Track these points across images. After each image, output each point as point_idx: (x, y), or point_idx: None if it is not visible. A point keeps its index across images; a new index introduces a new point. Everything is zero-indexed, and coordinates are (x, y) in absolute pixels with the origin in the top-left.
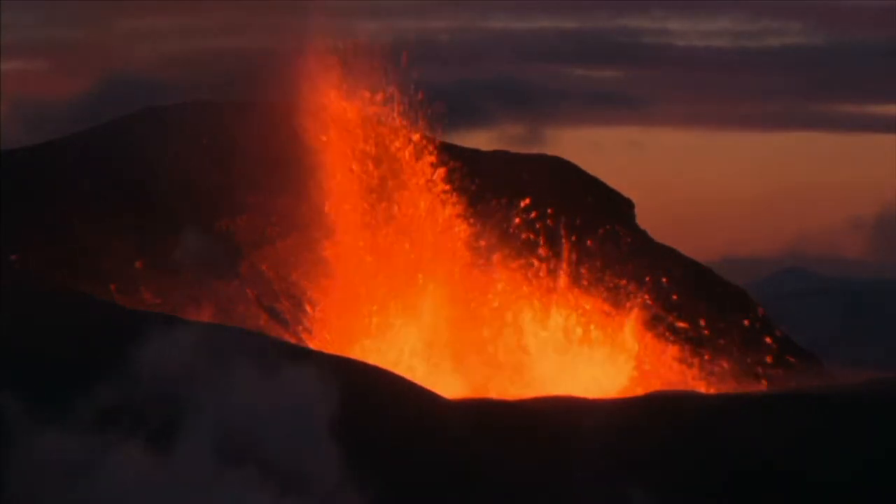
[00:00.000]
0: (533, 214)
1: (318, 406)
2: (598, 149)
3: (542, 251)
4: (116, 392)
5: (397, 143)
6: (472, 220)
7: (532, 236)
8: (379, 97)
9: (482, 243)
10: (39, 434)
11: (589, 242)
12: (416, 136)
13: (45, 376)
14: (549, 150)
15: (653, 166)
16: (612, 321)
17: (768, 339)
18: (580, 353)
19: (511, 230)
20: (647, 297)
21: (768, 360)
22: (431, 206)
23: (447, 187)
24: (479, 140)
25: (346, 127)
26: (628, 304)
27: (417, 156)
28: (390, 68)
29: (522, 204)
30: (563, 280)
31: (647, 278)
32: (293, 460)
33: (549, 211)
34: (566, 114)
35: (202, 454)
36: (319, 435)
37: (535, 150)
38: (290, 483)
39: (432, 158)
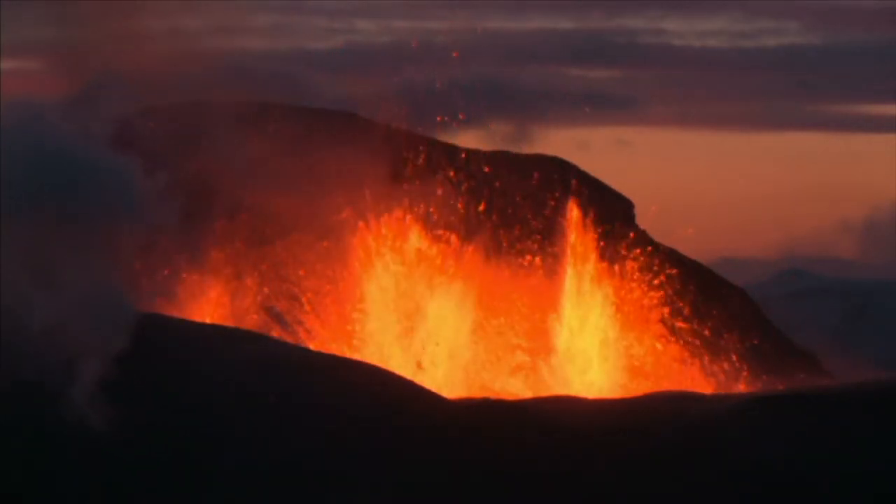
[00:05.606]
0: (532, 215)
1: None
2: (593, 149)
3: (541, 251)
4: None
5: (407, 148)
6: (473, 219)
7: (531, 236)
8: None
9: (478, 240)
10: None
11: (589, 242)
12: (423, 139)
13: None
14: (545, 151)
15: (649, 166)
16: (612, 321)
17: (768, 340)
18: (579, 353)
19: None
20: (646, 297)
21: (768, 360)
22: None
23: (453, 188)
24: (469, 140)
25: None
26: (627, 305)
27: (428, 159)
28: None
29: (521, 204)
30: (562, 280)
31: (647, 278)
32: (290, 459)
33: (547, 212)
34: (561, 114)
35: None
36: (318, 434)
37: (526, 151)
38: (287, 482)
39: (439, 160)
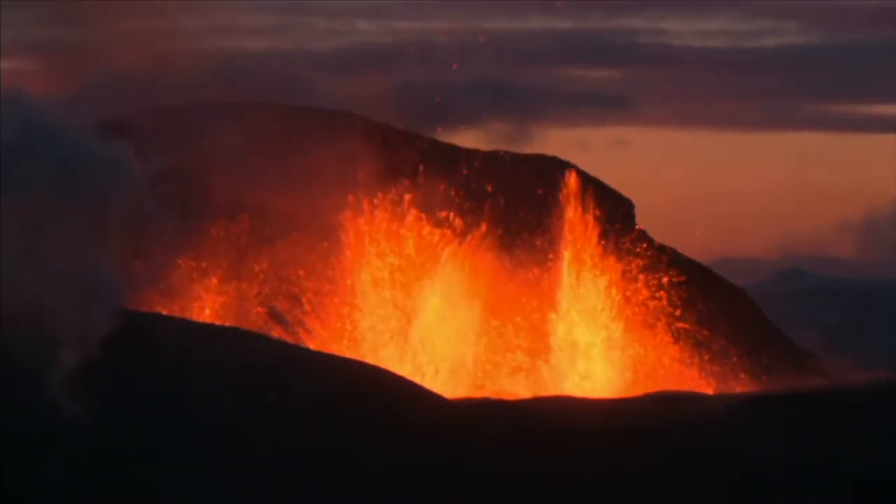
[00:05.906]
0: (532, 215)
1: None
2: (593, 149)
3: (541, 252)
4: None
5: (405, 149)
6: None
7: (531, 237)
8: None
9: (477, 236)
10: None
11: (589, 240)
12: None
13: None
14: (544, 151)
15: (648, 166)
16: (613, 321)
17: (768, 340)
18: (578, 352)
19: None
20: (647, 297)
21: (768, 360)
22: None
23: (453, 189)
24: (469, 140)
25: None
26: (628, 305)
27: (427, 159)
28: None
29: (521, 204)
30: (562, 280)
31: (647, 278)
32: (290, 459)
33: (546, 214)
34: (561, 114)
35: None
36: (318, 434)
37: (526, 151)
38: (286, 483)
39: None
